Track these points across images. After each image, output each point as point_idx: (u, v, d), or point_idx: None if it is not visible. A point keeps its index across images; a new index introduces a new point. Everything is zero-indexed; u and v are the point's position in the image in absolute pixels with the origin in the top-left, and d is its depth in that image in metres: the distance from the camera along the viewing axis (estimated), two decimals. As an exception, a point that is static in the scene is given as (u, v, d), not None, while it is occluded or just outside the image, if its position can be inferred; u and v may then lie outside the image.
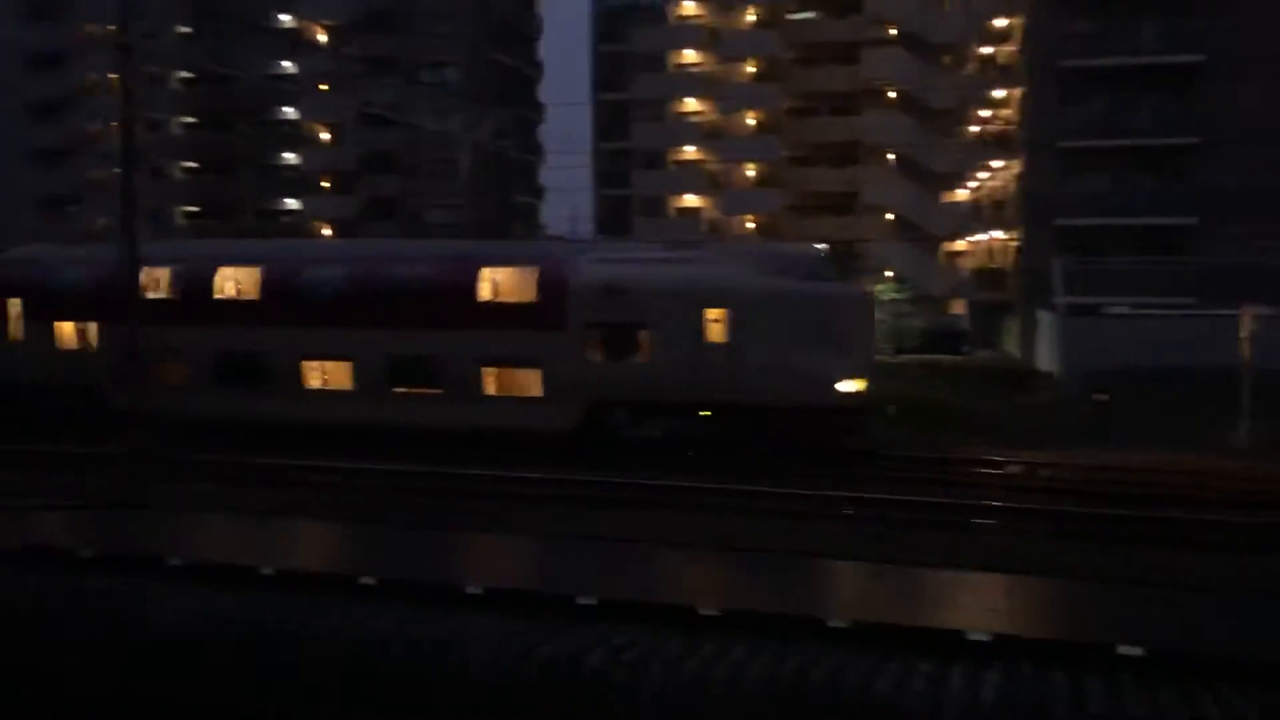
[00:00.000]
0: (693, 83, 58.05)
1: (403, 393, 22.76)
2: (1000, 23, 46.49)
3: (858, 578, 12.64)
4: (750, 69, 57.05)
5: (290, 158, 61.55)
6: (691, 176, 58.03)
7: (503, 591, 11.11)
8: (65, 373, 24.58)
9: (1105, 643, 9.34)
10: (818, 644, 9.61)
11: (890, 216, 52.95)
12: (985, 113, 48.15)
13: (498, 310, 22.51)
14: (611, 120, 65.61)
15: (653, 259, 22.61)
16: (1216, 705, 8.35)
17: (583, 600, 10.75)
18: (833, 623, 9.95)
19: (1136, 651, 9.22)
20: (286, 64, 60.52)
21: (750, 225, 56.89)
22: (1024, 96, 43.26)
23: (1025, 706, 8.50)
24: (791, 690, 8.86)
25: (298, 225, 60.13)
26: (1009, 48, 46.57)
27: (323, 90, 57.71)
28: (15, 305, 25.32)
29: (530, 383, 22.22)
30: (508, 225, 61.32)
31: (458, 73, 60.81)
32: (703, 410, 21.33)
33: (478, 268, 22.75)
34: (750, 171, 57.21)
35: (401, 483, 18.36)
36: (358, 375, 23.00)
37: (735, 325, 20.78)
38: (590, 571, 12.61)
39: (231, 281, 24.53)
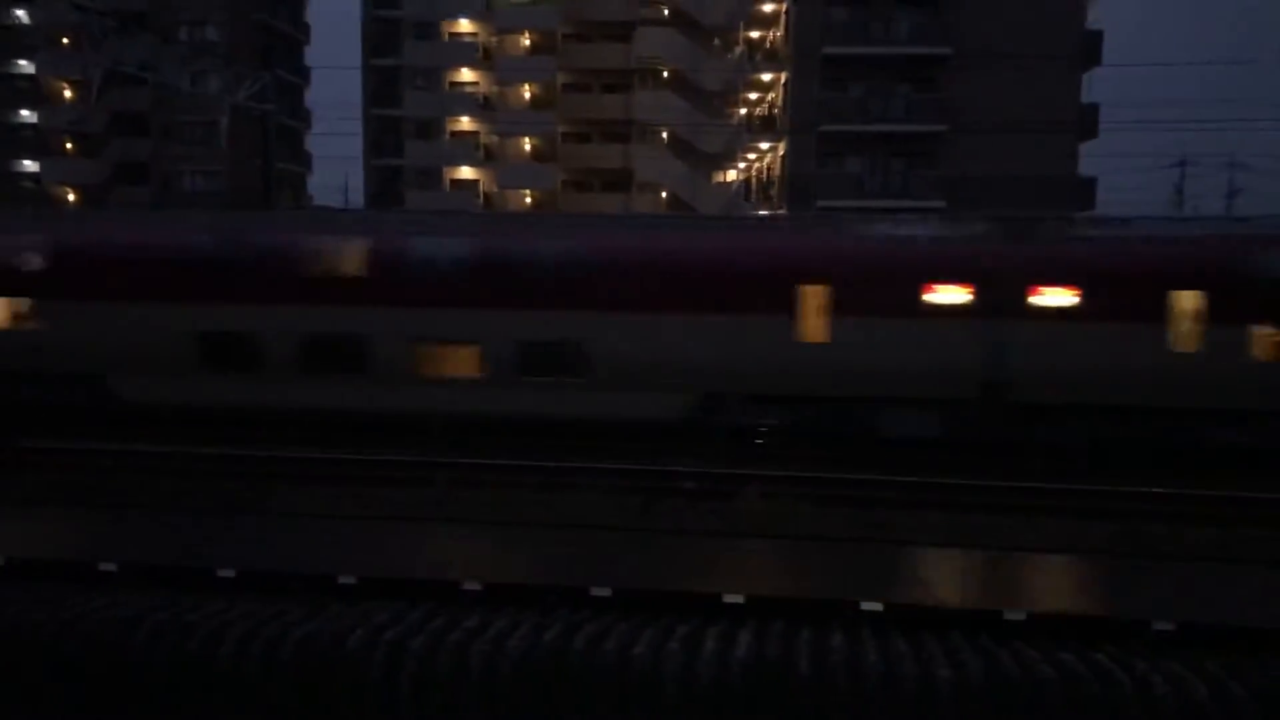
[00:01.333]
0: (467, 52, 57.26)
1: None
2: (768, 8, 48.05)
3: (625, 546, 12.86)
4: (526, 42, 56.78)
5: (27, 115, 56.76)
6: (467, 148, 57.30)
7: (260, 574, 10.69)
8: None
9: (851, 599, 9.94)
10: (580, 612, 9.75)
11: (664, 194, 54.02)
12: (753, 95, 49.78)
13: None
14: (383, 87, 63.78)
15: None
16: (945, 654, 9.00)
17: (344, 579, 10.49)
18: (596, 591, 10.11)
19: (876, 607, 9.83)
20: (21, 13, 55.68)
21: (527, 199, 56.76)
22: (788, 81, 44.95)
23: (773, 662, 8.90)
24: (552, 659, 8.95)
25: (42, 190, 55.60)
26: (776, 33, 48.25)
27: (65, 44, 53.40)
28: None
29: None
30: (271, 193, 58.63)
31: (217, 32, 57.63)
32: None
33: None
34: (527, 145, 57.03)
35: (153, 464, 17.31)
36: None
37: None
38: (352, 550, 12.30)
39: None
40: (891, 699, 8.61)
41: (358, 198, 68.35)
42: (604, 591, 10.03)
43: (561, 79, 55.80)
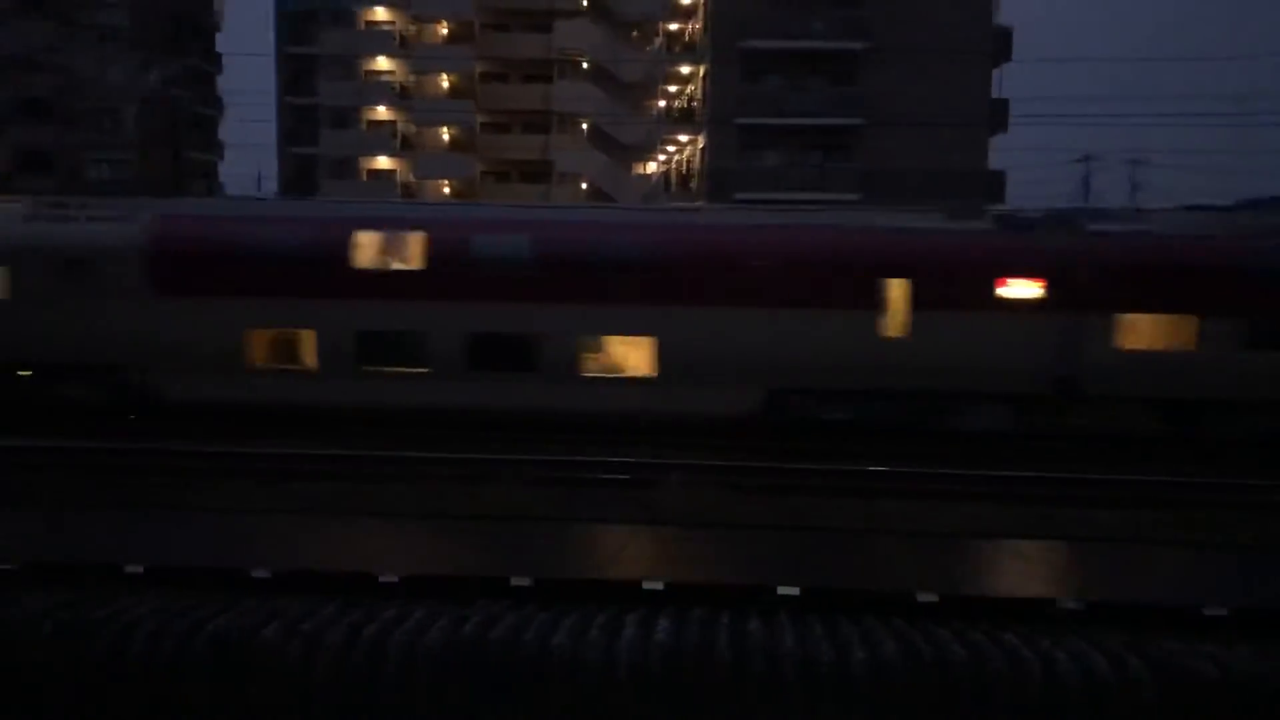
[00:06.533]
0: (383, 40, 56.46)
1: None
2: (686, 0, 48.24)
3: (542, 536, 12.87)
4: (444, 31, 56.19)
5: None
6: (384, 138, 56.55)
7: (169, 569, 10.45)
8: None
9: (769, 585, 10.07)
10: (499, 603, 9.73)
11: (584, 185, 53.94)
12: (673, 88, 49.92)
13: None
14: (298, 75, 62.61)
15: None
16: (859, 634, 9.18)
17: (258, 574, 10.31)
18: (516, 581, 10.09)
19: (794, 591, 9.97)
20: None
21: (445, 190, 56.22)
22: (707, 74, 45.17)
23: (694, 646, 8.98)
24: (471, 650, 8.92)
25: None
26: (695, 26, 48.44)
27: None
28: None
29: None
30: (182, 183, 57.21)
31: (123, 16, 56.00)
32: None
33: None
34: (445, 135, 56.48)
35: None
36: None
37: None
38: (271, 544, 12.11)
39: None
40: (808, 680, 8.75)
41: (272, 186, 67.05)
42: (524, 581, 10.01)
43: (480, 68, 55.37)
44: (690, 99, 48.71)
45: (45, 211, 21.02)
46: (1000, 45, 42.85)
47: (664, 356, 19.62)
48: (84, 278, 20.01)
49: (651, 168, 52.92)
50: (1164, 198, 72.14)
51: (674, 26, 50.30)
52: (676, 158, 50.68)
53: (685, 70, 48.84)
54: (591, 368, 19.93)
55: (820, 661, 8.79)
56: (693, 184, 48.45)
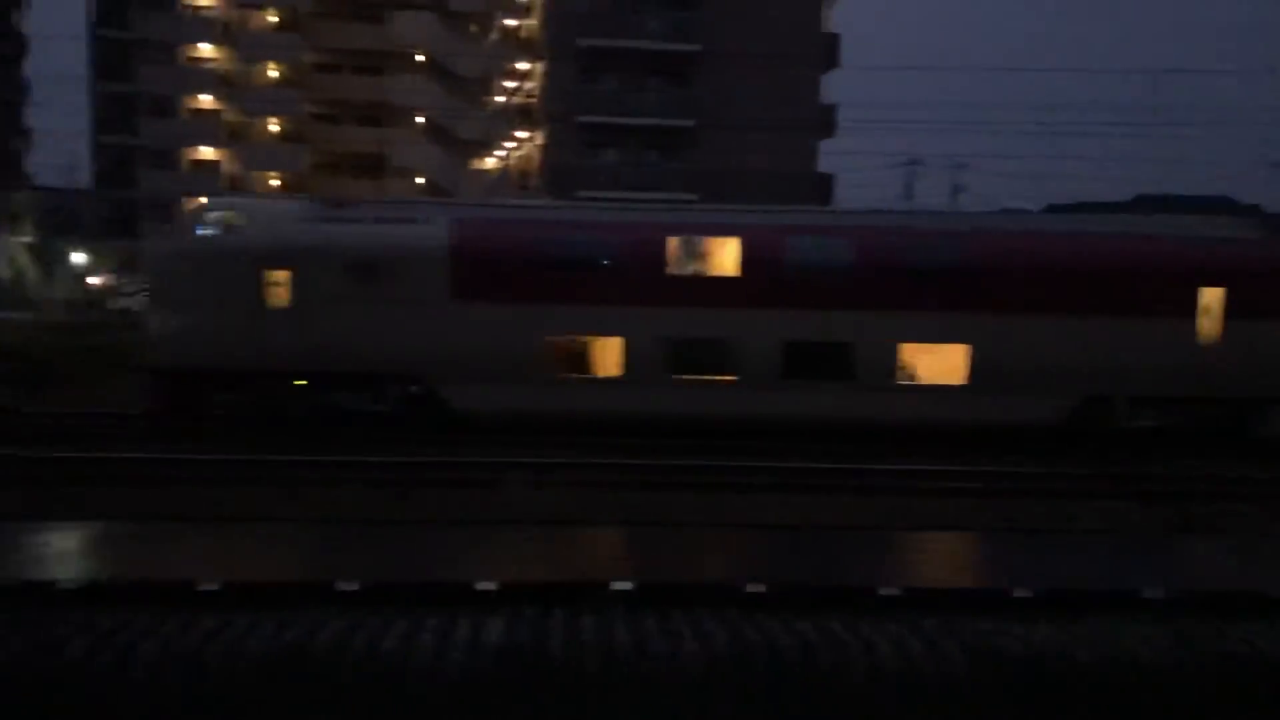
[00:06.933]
0: (205, 26, 54.18)
1: None
2: (524, -3, 48.07)
3: (368, 539, 12.61)
4: (272, 18, 54.36)
5: None
6: (207, 127, 54.29)
7: (-37, 584, 9.76)
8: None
9: (601, 581, 10.12)
10: (327, 609, 9.46)
11: (420, 180, 53.07)
12: (511, 84, 49.61)
13: None
14: (114, 60, 59.39)
15: None
16: (691, 627, 9.32)
17: (65, 584, 9.74)
18: (342, 586, 9.84)
19: (627, 586, 10.05)
20: None
21: (274, 183, 54.39)
22: (546, 71, 45.08)
23: (526, 644, 8.95)
24: (294, 658, 8.65)
25: None
26: (532, 22, 48.26)
27: None
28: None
29: None
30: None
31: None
32: None
33: None
34: (274, 126, 54.64)
35: None
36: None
37: None
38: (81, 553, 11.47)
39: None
40: (641, 674, 8.83)
41: (85, 177, 63.44)
42: (351, 586, 9.77)
43: (311, 58, 53.77)
44: (529, 95, 48.54)
45: (328, 212, 19.99)
46: (829, 52, 44.28)
47: (977, 364, 19.64)
48: (376, 283, 19.08)
49: (490, 163, 52.46)
50: (982, 202, 75.79)
51: (512, 22, 50.01)
52: (516, 154, 50.42)
53: (525, 66, 48.63)
54: (905, 375, 19.87)
55: (653, 655, 8.89)
56: (531, 181, 48.29)
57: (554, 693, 8.86)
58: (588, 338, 19.81)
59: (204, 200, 21.08)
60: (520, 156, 50.17)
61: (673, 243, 19.91)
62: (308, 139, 53.92)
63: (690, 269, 19.97)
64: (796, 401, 19.45)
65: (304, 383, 19.25)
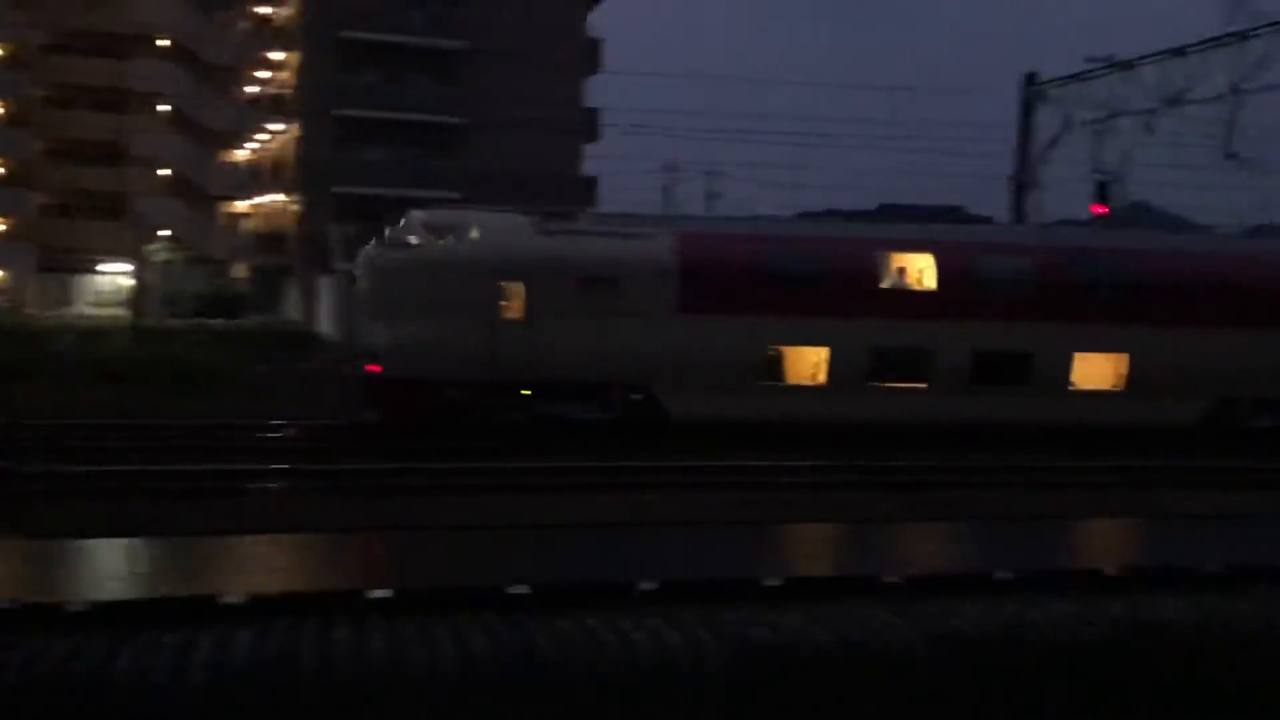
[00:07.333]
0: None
1: None
2: (278, -18, 46.18)
3: (113, 554, 11.81)
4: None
5: None
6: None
7: None
8: None
9: (356, 589, 9.81)
10: (52, 630, 8.74)
11: (165, 172, 49.99)
12: (264, 74, 47.51)
13: None
14: None
15: None
16: (450, 632, 9.16)
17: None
18: (73, 607, 9.12)
19: (385, 593, 9.78)
20: None
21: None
22: (302, 61, 43.46)
23: (275, 658, 8.57)
24: (12, 689, 7.94)
25: None
26: (288, 10, 46.43)
27: None
28: None
29: None
30: None
31: None
32: None
33: None
34: (-2, 109, 50.19)
35: None
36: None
37: None
38: None
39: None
40: (398, 683, 8.63)
41: None
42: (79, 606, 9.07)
43: (39, 39, 49.66)
44: (283, 86, 46.68)
45: (557, 225, 21.03)
46: (591, 56, 44.80)
47: (1134, 371, 21.62)
48: (605, 295, 19.83)
49: (240, 155, 50.03)
50: (738, 207, 78.78)
51: (266, 10, 47.91)
52: (269, 146, 48.35)
53: (279, 56, 46.71)
54: (1077, 382, 21.61)
55: (410, 662, 8.69)
56: (286, 175, 46.45)
57: (305, 706, 8.52)
58: (797, 348, 21.19)
59: (423, 211, 21.68)
60: (274, 150, 48.12)
61: (880, 258, 21.52)
62: (37, 123, 49.76)
63: (895, 283, 21.59)
64: (981, 406, 21.06)
65: (528, 392, 19.86)
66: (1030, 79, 29.11)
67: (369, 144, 43.64)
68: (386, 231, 20.36)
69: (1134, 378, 21.89)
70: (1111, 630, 10.02)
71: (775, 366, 21.22)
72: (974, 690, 9.60)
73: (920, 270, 21.67)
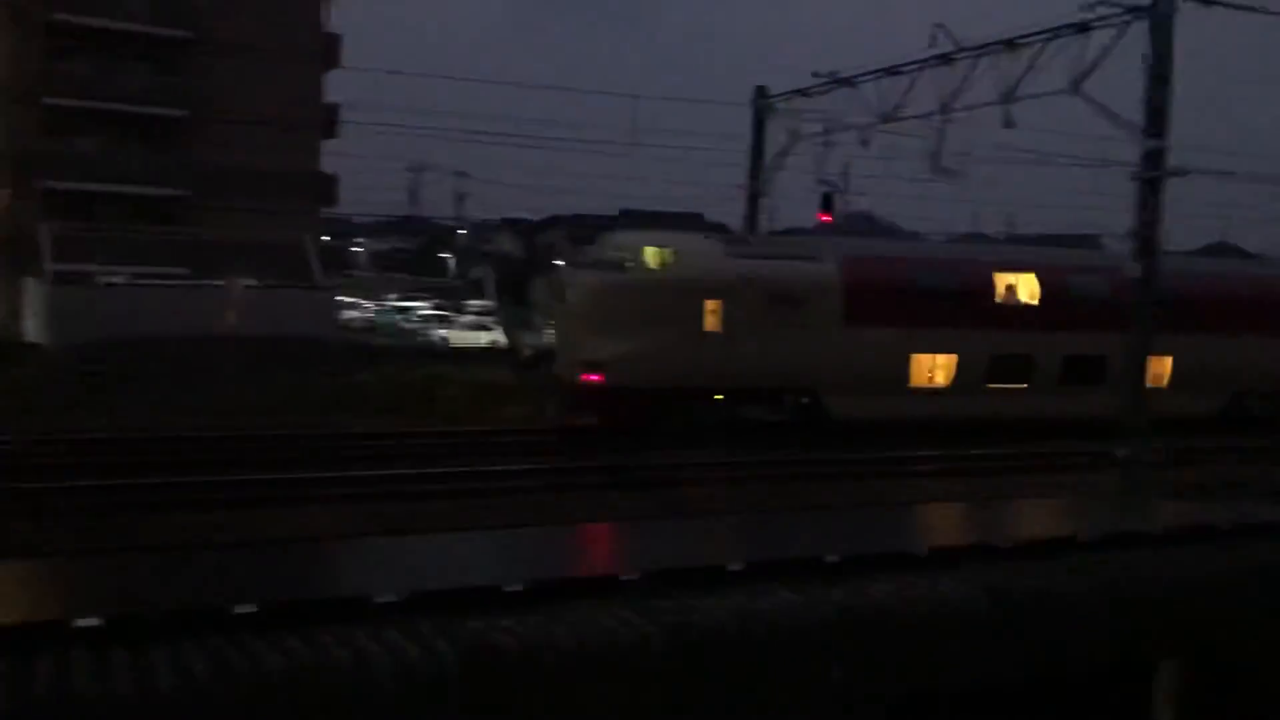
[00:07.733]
0: None
1: None
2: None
3: None
4: None
5: None
6: None
7: None
8: None
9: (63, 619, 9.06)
10: None
11: None
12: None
13: None
14: None
15: None
16: (169, 660, 8.59)
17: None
18: None
19: (94, 622, 9.07)
20: None
21: None
22: (6, 47, 39.85)
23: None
24: None
25: None
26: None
27: None
28: None
29: None
30: None
31: None
32: None
33: None
34: None
35: None
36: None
37: None
38: None
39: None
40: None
41: None
42: None
43: None
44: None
45: (744, 248, 24.82)
46: (329, 51, 43.34)
47: (1176, 370, 26.56)
48: (787, 310, 23.28)
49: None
50: (484, 209, 78.40)
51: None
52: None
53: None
54: None
55: (121, 697, 8.07)
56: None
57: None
58: (934, 355, 24.98)
59: (619, 235, 25.53)
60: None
61: (997, 277, 26.00)
62: None
63: (1008, 299, 25.94)
64: (1067, 403, 25.41)
65: (720, 397, 22.99)
66: (760, 92, 30.40)
67: (83, 135, 40.49)
68: (575, 251, 21.88)
69: (1176, 376, 26.80)
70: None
71: (915, 371, 24.97)
72: (706, 680, 9.95)
73: (1027, 288, 26.24)
